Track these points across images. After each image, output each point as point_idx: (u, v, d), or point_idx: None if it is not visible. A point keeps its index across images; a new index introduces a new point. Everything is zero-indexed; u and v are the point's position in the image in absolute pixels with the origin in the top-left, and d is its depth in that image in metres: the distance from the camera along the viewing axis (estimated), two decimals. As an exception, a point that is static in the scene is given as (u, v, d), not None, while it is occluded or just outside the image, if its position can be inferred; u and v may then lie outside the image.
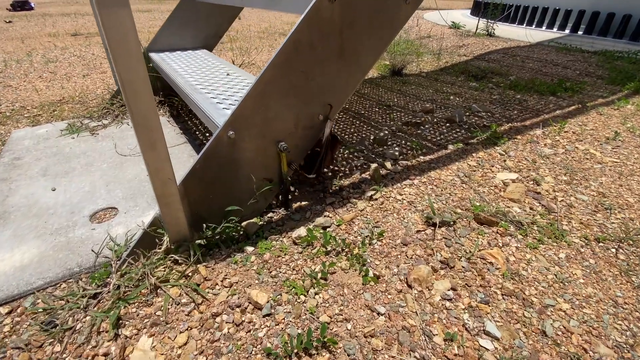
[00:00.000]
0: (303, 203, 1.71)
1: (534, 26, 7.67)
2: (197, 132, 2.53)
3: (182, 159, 2.11)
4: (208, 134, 2.50)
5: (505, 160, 2.15)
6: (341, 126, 2.74)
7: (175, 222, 1.29)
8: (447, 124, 2.72)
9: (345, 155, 2.17)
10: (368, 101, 3.45)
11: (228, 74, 2.18)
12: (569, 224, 1.63)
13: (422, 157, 2.18)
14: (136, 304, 1.19)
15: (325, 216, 1.62)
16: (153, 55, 2.68)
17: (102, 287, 1.25)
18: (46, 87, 3.61)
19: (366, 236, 1.49)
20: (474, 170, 2.03)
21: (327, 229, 1.54)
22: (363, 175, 1.94)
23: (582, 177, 2.02)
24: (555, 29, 7.29)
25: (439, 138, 2.48)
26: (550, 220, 1.64)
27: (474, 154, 2.23)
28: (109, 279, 1.28)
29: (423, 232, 1.53)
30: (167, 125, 2.60)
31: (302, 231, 1.48)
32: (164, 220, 1.26)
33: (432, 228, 1.55)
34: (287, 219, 1.62)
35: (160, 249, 1.34)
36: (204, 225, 1.42)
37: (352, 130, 2.65)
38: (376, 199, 1.73)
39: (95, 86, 3.65)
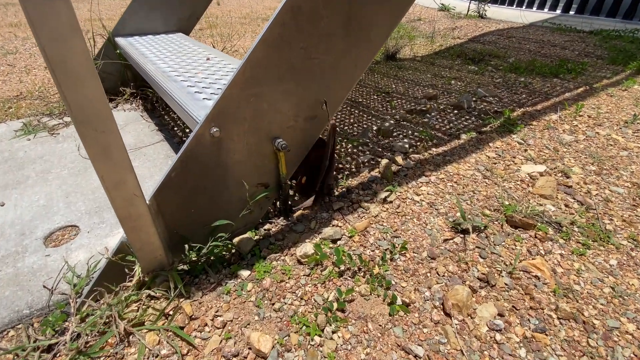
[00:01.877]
0: (306, 210, 1.45)
1: (524, 7, 7.48)
2: (176, 128, 2.21)
3: (158, 160, 1.80)
4: (188, 130, 2.18)
5: (526, 150, 1.92)
6: (339, 116, 2.46)
7: (147, 248, 1.00)
8: (455, 111, 2.47)
9: (349, 150, 1.90)
10: (365, 88, 3.18)
11: (208, 59, 1.87)
12: (611, 222, 1.42)
13: (434, 149, 1.94)
14: (102, 359, 0.91)
15: (333, 225, 1.36)
16: (120, 40, 2.31)
17: (59, 336, 0.97)
18: (2, 82, 3.18)
19: (386, 249, 1.24)
20: (495, 163, 1.80)
21: (338, 242, 1.28)
22: (372, 173, 1.68)
23: (611, 167, 1.82)
24: (546, 9, 7.12)
25: (448, 127, 2.24)
26: (590, 219, 1.42)
27: (490, 144, 2.00)
28: (66, 324, 0.99)
29: (452, 241, 1.29)
30: (141, 121, 2.27)
31: (308, 247, 1.21)
32: (133, 247, 0.97)
33: (461, 236, 1.31)
34: (288, 230, 1.35)
35: (131, 281, 1.05)
36: (186, 246, 1.14)
37: (351, 120, 2.38)
38: (391, 202, 1.48)
39: (58, 79, 3.24)
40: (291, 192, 1.56)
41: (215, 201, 1.18)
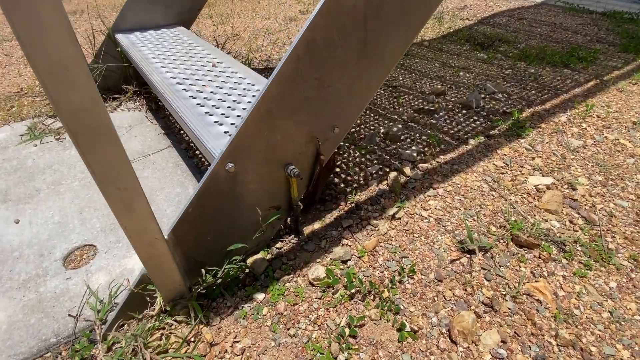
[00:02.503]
0: (316, 226, 1.48)
1: (537, -19, 7.13)
2: (182, 132, 2.20)
3: (167, 170, 1.81)
4: (195, 133, 2.17)
5: (533, 158, 1.93)
6: (345, 116, 2.44)
7: (168, 281, 1.04)
8: (463, 111, 2.45)
9: (357, 159, 1.90)
10: (370, 80, 3.11)
11: (214, 65, 1.83)
12: (614, 240, 1.46)
13: (442, 156, 1.94)
14: (130, 386, 0.98)
15: (343, 245, 1.40)
16: (121, 38, 2.25)
17: (87, 363, 1.03)
18: (0, 75, 3.12)
19: (395, 271, 1.29)
20: (502, 173, 1.81)
21: (348, 263, 1.32)
22: (380, 185, 1.69)
23: (617, 176, 1.83)
24: (560, -15, 6.78)
25: (456, 129, 2.22)
26: (594, 237, 1.46)
27: (498, 150, 2.00)
28: (94, 351, 1.05)
29: (458, 262, 1.33)
30: (146, 123, 2.25)
31: (319, 270, 1.26)
32: (155, 282, 1.01)
33: (468, 256, 1.35)
34: (300, 249, 1.39)
35: (153, 310, 1.10)
36: (203, 271, 1.18)
37: (358, 121, 2.36)
38: (399, 218, 1.51)
39: (57, 70, 3.17)
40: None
41: (230, 227, 1.21)
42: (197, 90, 1.54)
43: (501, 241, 1.42)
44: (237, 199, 1.15)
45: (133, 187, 0.78)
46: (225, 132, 1.28)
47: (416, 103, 2.62)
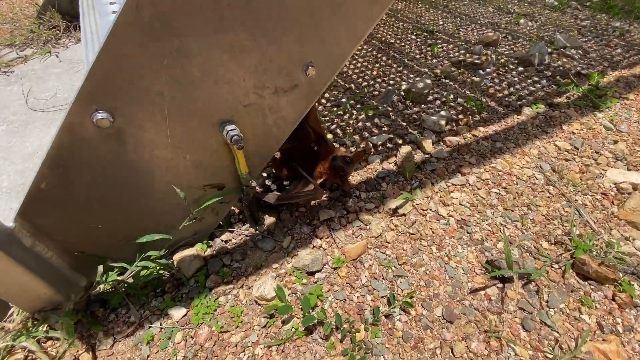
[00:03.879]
0: (283, 216, 1.05)
1: None
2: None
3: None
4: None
5: (616, 142, 1.34)
6: (358, 65, 1.89)
7: (16, 289, 0.68)
8: (520, 68, 1.81)
9: (360, 124, 1.40)
10: (401, 23, 2.47)
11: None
12: None
13: (481, 127, 1.40)
14: None
15: (315, 247, 0.97)
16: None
17: None
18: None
19: (383, 297, 0.86)
20: (567, 159, 1.26)
21: (316, 276, 0.90)
22: (385, 164, 1.21)
23: None
24: None
25: (507, 92, 1.63)
26: None
27: (564, 127, 1.42)
28: None
29: (483, 294, 0.88)
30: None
31: (267, 287, 0.85)
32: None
33: (500, 285, 0.89)
34: (253, 246, 0.98)
35: (11, 322, 0.76)
36: (100, 268, 0.81)
37: (374, 72, 1.81)
38: (404, 215, 1.04)
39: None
40: (269, 185, 1.16)
41: (135, 210, 0.81)
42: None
43: (555, 267, 0.94)
44: (137, 171, 0.73)
45: None
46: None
47: (456, 54, 2.00)
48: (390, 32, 2.30)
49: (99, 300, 0.87)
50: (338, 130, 1.34)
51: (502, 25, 2.44)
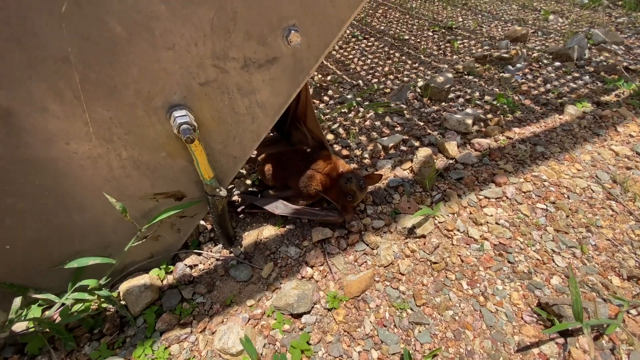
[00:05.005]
0: (265, 234, 0.82)
1: None
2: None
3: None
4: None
5: (691, 146, 1.07)
6: (367, 62, 1.67)
7: None
8: (556, 63, 1.56)
9: (367, 123, 1.17)
10: (416, 20, 2.26)
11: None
12: None
13: (516, 128, 1.15)
14: None
15: (303, 278, 0.73)
16: None
17: None
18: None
19: (394, 354, 0.61)
20: (629, 168, 1.00)
21: (303, 319, 0.66)
22: (398, 170, 0.97)
23: None
24: None
25: (543, 90, 1.38)
26: None
27: (619, 129, 1.16)
28: None
29: (535, 353, 0.62)
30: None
31: (232, 337, 0.61)
32: None
33: (560, 341, 0.63)
34: (224, 274, 0.75)
35: None
36: (17, 301, 0.60)
37: (385, 69, 1.59)
38: (423, 236, 0.80)
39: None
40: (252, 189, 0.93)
41: (64, 227, 0.60)
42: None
43: (634, 313, 0.67)
44: (47, 173, 0.52)
45: None
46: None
47: (479, 50, 1.76)
48: (404, 29, 2.09)
49: (15, 343, 0.66)
50: (341, 130, 1.11)
51: (530, 22, 2.21)
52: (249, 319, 0.67)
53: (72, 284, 0.67)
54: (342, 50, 1.81)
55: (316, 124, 0.86)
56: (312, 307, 0.68)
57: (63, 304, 0.67)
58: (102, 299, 0.68)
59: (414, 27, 2.12)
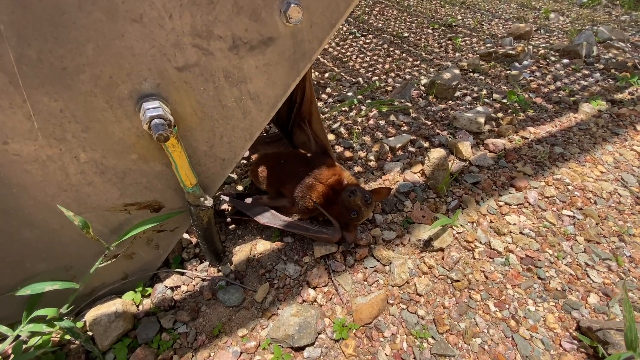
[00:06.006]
0: (260, 248, 0.71)
1: None
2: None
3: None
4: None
5: None
6: (366, 59, 1.58)
7: None
8: (564, 60, 1.49)
9: (371, 122, 1.07)
10: (415, 17, 2.18)
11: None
12: None
13: (531, 128, 1.06)
14: None
15: (305, 302, 0.63)
16: None
17: None
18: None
19: (415, 397, 0.51)
20: (658, 169, 0.91)
21: (306, 353, 0.56)
22: (408, 174, 0.87)
23: None
24: None
25: (553, 87, 1.30)
26: None
27: (639, 127, 1.08)
28: None
29: (586, 393, 0.52)
30: None
31: (226, 374, 0.50)
32: None
33: (612, 376, 0.54)
34: (212, 298, 0.64)
35: None
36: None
37: (386, 66, 1.50)
38: (441, 249, 0.70)
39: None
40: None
41: (12, 245, 0.48)
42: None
43: (694, 339, 0.58)
44: (-22, 182, 0.41)
45: None
46: None
47: (482, 47, 1.69)
48: (402, 27, 2.01)
49: (-48, 391, 0.54)
50: (342, 130, 1.01)
51: (530, 20, 2.15)
52: (241, 354, 0.56)
53: (26, 314, 0.55)
54: (339, 48, 1.72)
55: (321, 126, 0.75)
56: (316, 338, 0.57)
57: (18, 337, 0.55)
58: (64, 331, 0.57)
59: (413, 24, 2.04)
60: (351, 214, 0.66)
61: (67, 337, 0.60)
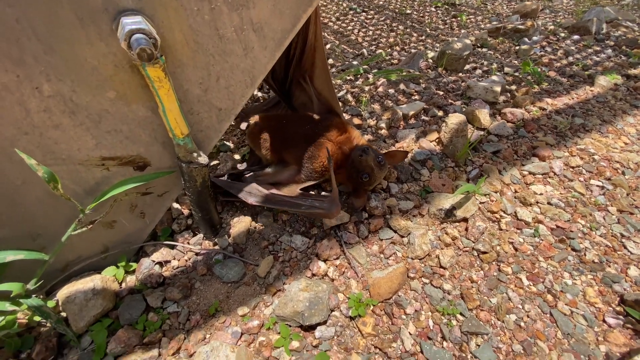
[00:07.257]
0: (262, 219, 0.63)
1: None
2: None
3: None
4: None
5: None
6: (369, 33, 1.50)
7: None
8: (574, 36, 1.43)
9: (379, 90, 0.99)
10: (416, -3, 2.10)
11: None
12: None
13: (547, 99, 1.00)
14: None
15: (314, 276, 0.55)
16: None
17: None
18: None
19: (447, 381, 0.44)
20: (685, 140, 0.86)
21: (317, 334, 0.48)
22: (423, 141, 0.79)
23: None
24: None
25: (566, 62, 1.24)
26: None
27: (659, 99, 1.02)
28: None
29: (640, 373, 0.46)
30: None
31: (221, 357, 0.42)
32: None
33: (666, 354, 0.47)
34: (207, 273, 0.56)
35: None
36: None
37: (390, 40, 1.42)
38: (464, 220, 0.63)
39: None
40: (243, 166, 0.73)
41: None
42: None
43: None
44: None
45: None
46: None
47: (487, 25, 1.62)
48: (404, 4, 1.93)
49: None
50: (349, 97, 0.93)
51: (534, 1, 2.09)
52: (242, 334, 0.48)
53: (-12, 290, 0.47)
54: (339, 22, 1.63)
55: (327, 79, 0.67)
56: (329, 316, 0.50)
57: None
58: (32, 310, 0.48)
59: (415, 2, 1.96)
60: (362, 176, 0.58)
61: (37, 318, 0.51)
